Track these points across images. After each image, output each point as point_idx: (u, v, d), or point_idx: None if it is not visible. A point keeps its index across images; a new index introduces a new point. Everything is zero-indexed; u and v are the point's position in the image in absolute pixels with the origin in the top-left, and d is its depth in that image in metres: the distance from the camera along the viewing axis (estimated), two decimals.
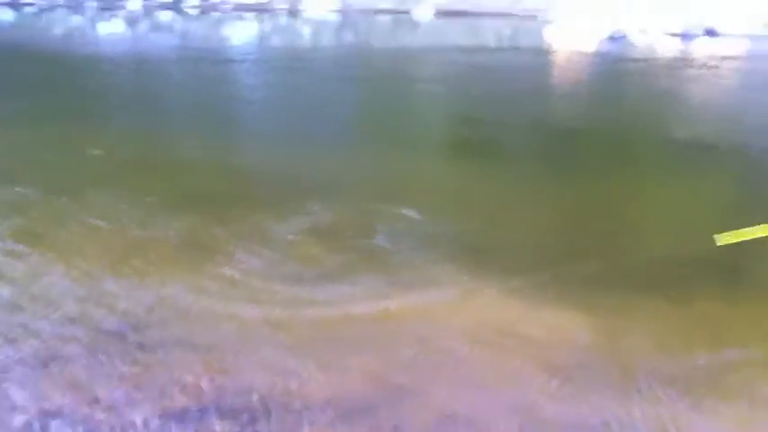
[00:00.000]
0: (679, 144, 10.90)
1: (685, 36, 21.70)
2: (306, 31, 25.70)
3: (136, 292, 5.34)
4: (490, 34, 23.25)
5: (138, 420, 3.92)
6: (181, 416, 3.96)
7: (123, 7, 28.76)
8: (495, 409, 4.08)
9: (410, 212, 7.28)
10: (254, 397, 4.12)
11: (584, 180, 8.97)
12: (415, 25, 25.74)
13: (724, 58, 18.43)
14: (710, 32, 21.96)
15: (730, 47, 19.92)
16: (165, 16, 28.07)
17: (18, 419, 3.90)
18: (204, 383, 4.24)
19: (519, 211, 7.58)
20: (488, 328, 4.96)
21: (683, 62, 18.61)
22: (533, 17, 24.73)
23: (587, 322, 5.05)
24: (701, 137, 11.32)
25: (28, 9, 29.38)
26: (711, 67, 17.45)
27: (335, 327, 4.95)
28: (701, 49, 20.03)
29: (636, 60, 18.49)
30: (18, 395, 4.10)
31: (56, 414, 3.95)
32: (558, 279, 5.68)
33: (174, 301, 5.22)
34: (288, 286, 5.54)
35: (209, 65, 18.01)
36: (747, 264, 6.09)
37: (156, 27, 26.28)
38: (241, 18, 27.29)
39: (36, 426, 3.86)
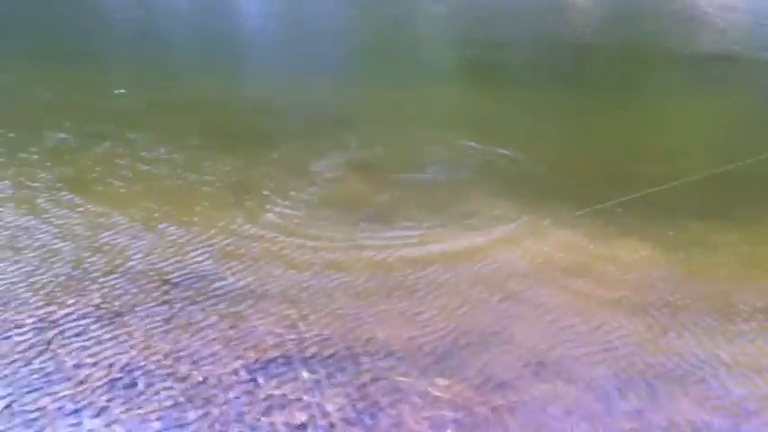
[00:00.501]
0: (703, 58, 10.76)
1: None
2: None
3: (198, 240, 5.28)
4: None
5: (225, 372, 3.90)
6: (267, 367, 3.93)
7: None
8: (583, 355, 4.02)
9: (450, 143, 7.19)
10: (338, 346, 4.11)
11: (616, 101, 8.84)
12: None
13: None
14: None
15: None
16: None
17: (103, 376, 3.87)
18: (285, 333, 4.21)
19: (557, 138, 7.48)
20: (562, 266, 4.88)
21: None
22: None
23: (661, 256, 4.96)
24: (721, 50, 11.15)
25: None
26: None
27: (402, 271, 4.88)
28: None
29: None
30: (99, 351, 4.07)
31: (141, 369, 3.92)
32: (619, 208, 5.51)
33: (239, 250, 5.16)
34: (347, 229, 5.47)
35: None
36: None
37: None
38: None
39: (124, 381, 3.83)
